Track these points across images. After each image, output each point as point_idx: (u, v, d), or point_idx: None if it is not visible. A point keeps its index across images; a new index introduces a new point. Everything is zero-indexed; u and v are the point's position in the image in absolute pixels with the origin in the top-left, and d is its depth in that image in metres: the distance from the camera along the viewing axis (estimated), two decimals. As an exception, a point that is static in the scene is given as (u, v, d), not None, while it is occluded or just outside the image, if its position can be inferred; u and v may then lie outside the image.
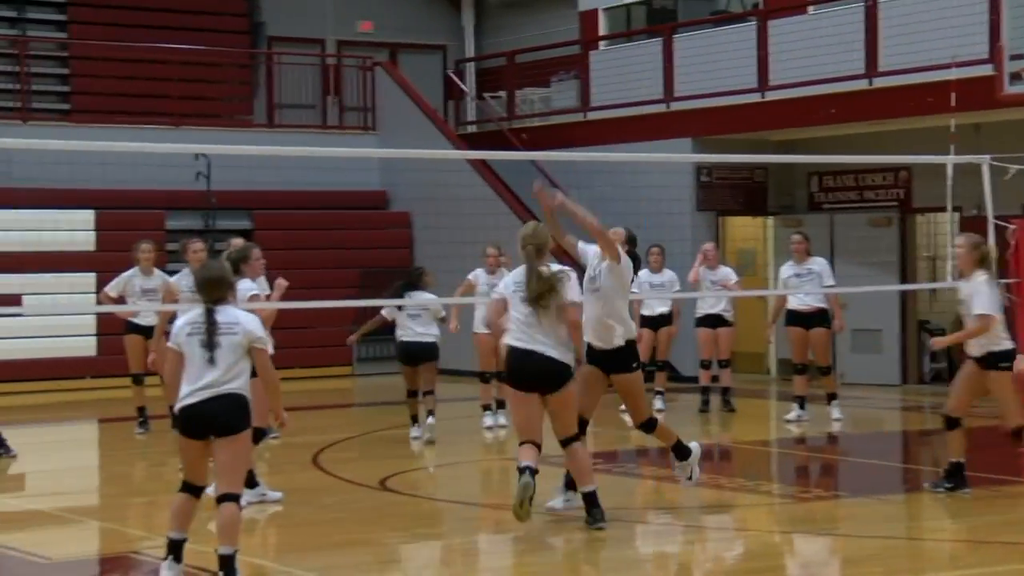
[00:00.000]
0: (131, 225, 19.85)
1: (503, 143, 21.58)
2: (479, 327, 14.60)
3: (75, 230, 19.76)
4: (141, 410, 14.47)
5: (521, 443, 9.25)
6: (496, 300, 9.41)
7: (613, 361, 9.61)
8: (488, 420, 14.60)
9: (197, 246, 13.40)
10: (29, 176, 18.94)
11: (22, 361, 18.80)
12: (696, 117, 19.64)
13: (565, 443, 9.32)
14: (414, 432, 13.72)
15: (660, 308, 15.98)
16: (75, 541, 9.59)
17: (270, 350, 8.06)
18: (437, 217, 20.70)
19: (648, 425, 9.81)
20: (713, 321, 15.87)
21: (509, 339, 9.24)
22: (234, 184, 20.36)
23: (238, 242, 13.10)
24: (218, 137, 20.12)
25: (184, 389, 7.50)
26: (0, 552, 9.04)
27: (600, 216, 20.75)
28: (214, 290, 7.61)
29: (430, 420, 13.68)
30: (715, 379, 16.18)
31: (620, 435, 14.51)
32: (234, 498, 7.47)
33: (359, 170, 21.93)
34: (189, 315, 7.64)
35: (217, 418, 7.44)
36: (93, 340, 19.68)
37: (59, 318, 19.54)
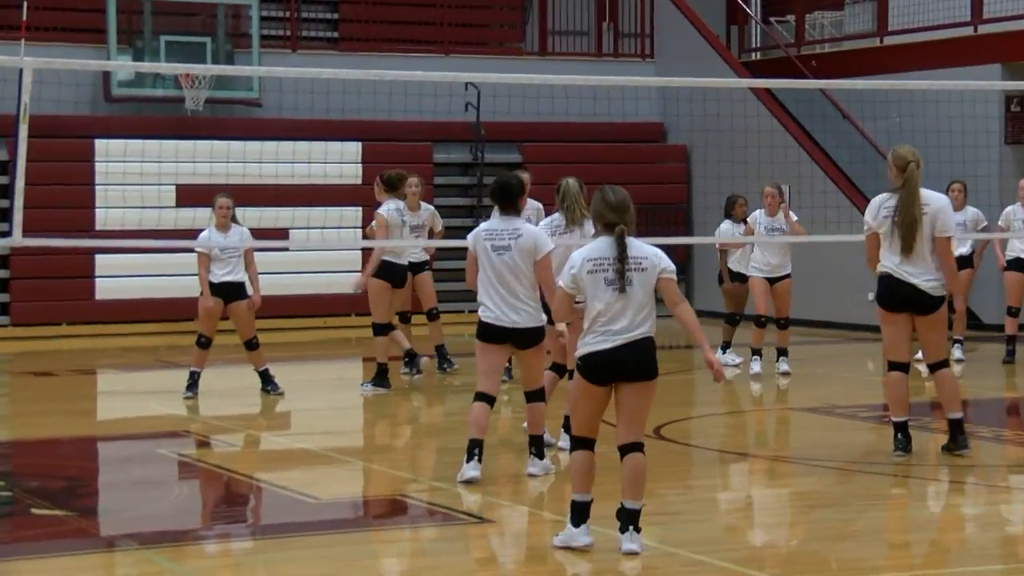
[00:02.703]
0: (398, 158, 20.21)
1: (790, 71, 21.22)
2: (752, 271, 14.62)
3: (342, 162, 20.32)
4: (408, 351, 14.78)
5: (890, 367, 10.07)
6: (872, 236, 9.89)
7: None
8: (755, 367, 14.53)
9: (415, 181, 14.19)
10: (298, 106, 19.53)
11: (287, 297, 19.40)
12: (1007, 40, 18.94)
13: (934, 368, 10.06)
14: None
15: (960, 248, 15.50)
16: (342, 481, 9.92)
17: None
18: (718, 150, 20.54)
19: None
20: (1024, 264, 15.37)
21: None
22: (504, 115, 20.58)
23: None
24: (488, 66, 20.36)
25: (589, 336, 7.44)
26: (270, 490, 9.46)
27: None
28: (624, 212, 7.50)
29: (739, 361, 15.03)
30: (1023, 328, 15.68)
31: (913, 385, 14.21)
32: (640, 447, 7.53)
33: (635, 100, 21.88)
34: (587, 250, 7.54)
35: (633, 364, 7.46)
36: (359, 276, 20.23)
37: (325, 253, 20.17)
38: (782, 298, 14.58)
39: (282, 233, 19.40)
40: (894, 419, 10.01)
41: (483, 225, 9.58)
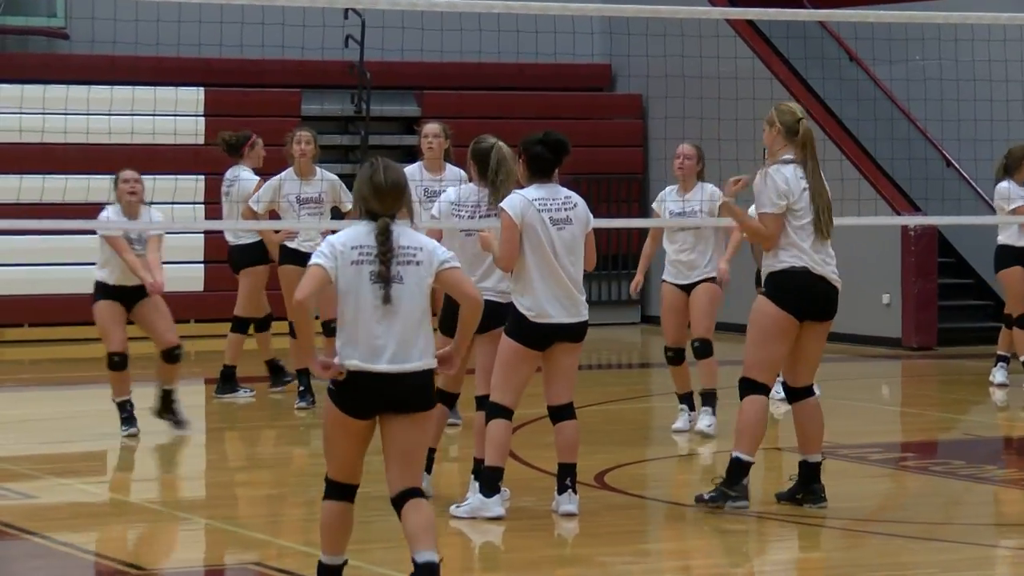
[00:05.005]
0: (254, 109, 20.19)
1: (779, -3, 21.36)
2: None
3: (178, 114, 20.18)
4: (271, 364, 14.73)
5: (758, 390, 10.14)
6: None
7: None
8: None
9: (305, 136, 14.21)
10: (116, 39, 19.34)
11: (104, 296, 19.23)
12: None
13: (803, 394, 10.25)
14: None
15: (1016, 238, 15.65)
16: (175, 545, 9.86)
17: None
18: (682, 103, 20.61)
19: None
20: None
21: None
22: (395, 54, 20.52)
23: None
24: (376, -13, 20.31)
25: (349, 349, 7.44)
26: (77, 557, 9.36)
27: (922, 107, 20.07)
28: (396, 200, 7.57)
29: None
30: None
31: (943, 418, 14.36)
32: (421, 493, 7.57)
33: (572, 35, 21.89)
34: (349, 235, 7.54)
35: (406, 395, 7.48)
36: (200, 270, 20.11)
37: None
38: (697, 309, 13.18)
39: (94, 210, 19.19)
40: (747, 457, 10.00)
41: (526, 192, 9.92)
